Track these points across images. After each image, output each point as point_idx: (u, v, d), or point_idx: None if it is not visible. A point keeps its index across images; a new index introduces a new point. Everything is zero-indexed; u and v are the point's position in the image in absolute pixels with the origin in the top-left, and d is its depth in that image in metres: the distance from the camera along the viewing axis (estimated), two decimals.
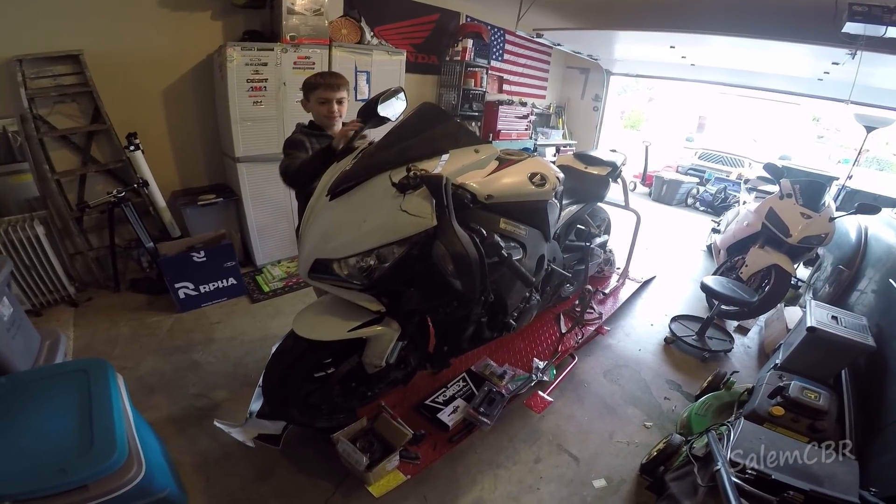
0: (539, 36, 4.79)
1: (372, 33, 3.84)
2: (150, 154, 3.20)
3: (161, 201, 3.32)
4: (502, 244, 1.48)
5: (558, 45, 5.40)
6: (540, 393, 2.24)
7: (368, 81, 3.69)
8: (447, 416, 1.95)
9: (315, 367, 1.67)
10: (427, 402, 2.04)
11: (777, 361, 2.30)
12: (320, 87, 1.88)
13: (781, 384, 1.93)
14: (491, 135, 5.51)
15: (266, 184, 3.38)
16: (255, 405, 1.94)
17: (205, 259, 2.99)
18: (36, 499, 1.15)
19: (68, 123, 3.03)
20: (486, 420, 1.91)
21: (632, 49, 5.66)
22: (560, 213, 2.23)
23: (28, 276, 2.76)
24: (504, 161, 1.80)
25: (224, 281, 3.12)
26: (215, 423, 1.83)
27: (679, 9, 3.84)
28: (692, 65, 5.59)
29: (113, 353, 2.51)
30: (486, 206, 1.59)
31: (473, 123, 5.42)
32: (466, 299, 1.50)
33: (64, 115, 3.00)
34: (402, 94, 1.74)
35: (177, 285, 2.93)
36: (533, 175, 1.77)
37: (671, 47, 4.73)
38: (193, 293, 3.01)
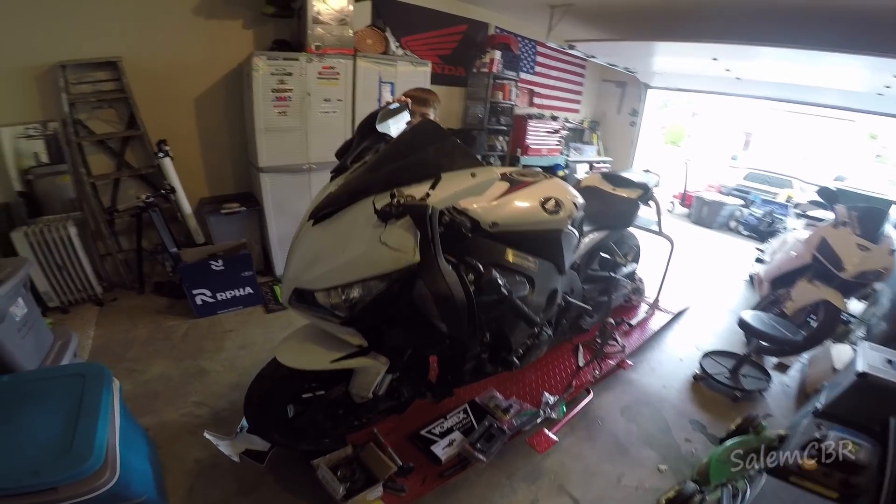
0: (571, 48, 4.65)
1: (398, 44, 3.84)
2: (179, 161, 3.29)
3: (187, 208, 3.40)
4: (501, 281, 1.35)
5: (592, 57, 5.24)
6: (546, 431, 2.07)
7: (392, 93, 3.67)
8: (441, 450, 1.83)
9: (300, 391, 1.61)
10: (422, 432, 1.92)
11: (818, 405, 2.04)
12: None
13: (818, 435, 1.70)
14: (519, 150, 5.39)
15: (288, 194, 3.39)
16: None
17: (223, 267, 3.03)
18: (6, 496, 1.17)
19: (105, 128, 3.16)
20: (481, 457, 1.78)
21: (671, 62, 5.40)
22: (579, 242, 2.05)
23: (59, 274, 2.89)
24: (516, 182, 1.67)
25: (241, 290, 3.15)
26: (205, 434, 1.80)
27: (721, 19, 3.61)
28: (737, 78, 5.27)
29: (126, 355, 2.58)
30: (491, 235, 1.47)
31: (501, 138, 5.31)
32: (456, 340, 1.38)
33: (102, 120, 3.14)
34: (406, 112, 1.66)
35: (194, 292, 2.99)
36: (546, 200, 1.63)
37: (714, 59, 4.46)
38: (210, 300, 3.05)
